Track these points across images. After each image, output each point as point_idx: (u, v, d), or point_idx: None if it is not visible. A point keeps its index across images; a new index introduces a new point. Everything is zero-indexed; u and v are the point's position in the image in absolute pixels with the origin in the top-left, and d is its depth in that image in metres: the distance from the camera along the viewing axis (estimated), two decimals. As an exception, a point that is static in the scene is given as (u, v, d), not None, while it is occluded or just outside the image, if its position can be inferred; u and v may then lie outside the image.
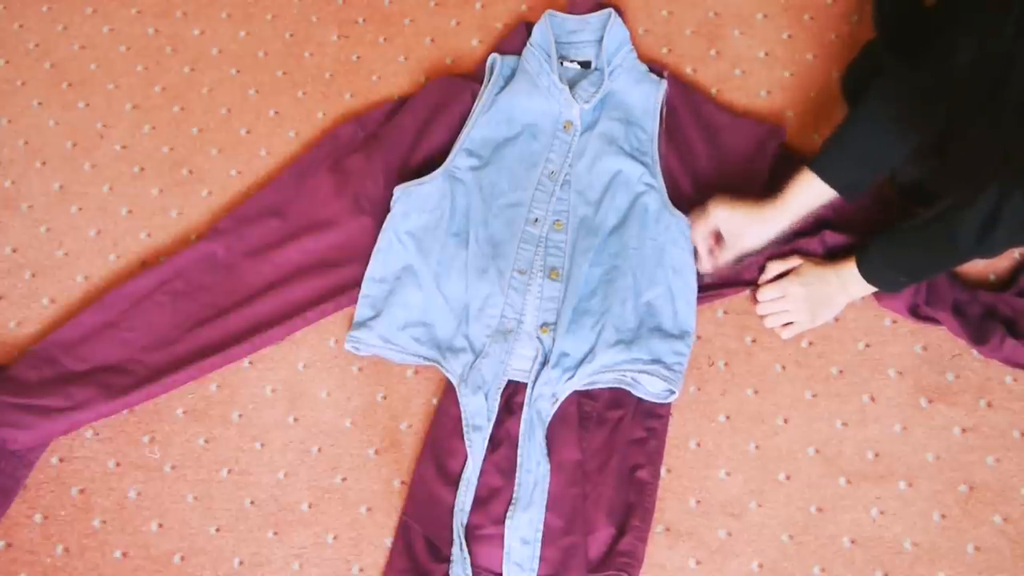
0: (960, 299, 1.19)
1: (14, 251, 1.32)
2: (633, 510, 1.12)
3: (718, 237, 1.20)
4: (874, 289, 1.16)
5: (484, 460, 1.13)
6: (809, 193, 1.12)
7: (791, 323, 1.20)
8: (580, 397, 1.17)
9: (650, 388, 1.16)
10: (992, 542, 1.13)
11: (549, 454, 1.13)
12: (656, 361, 1.15)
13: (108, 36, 1.45)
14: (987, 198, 0.96)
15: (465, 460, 1.13)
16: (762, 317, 1.22)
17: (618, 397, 1.17)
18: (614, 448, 1.14)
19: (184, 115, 1.39)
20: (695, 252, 1.21)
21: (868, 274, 1.14)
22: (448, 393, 1.18)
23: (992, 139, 1.00)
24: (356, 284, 1.22)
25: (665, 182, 1.24)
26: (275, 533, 1.17)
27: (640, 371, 1.14)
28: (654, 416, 1.17)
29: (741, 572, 1.13)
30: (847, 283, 1.17)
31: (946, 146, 1.09)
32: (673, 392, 1.15)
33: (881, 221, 1.19)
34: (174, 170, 1.36)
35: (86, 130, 1.39)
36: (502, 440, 1.14)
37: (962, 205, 0.99)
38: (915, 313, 1.19)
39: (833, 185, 1.10)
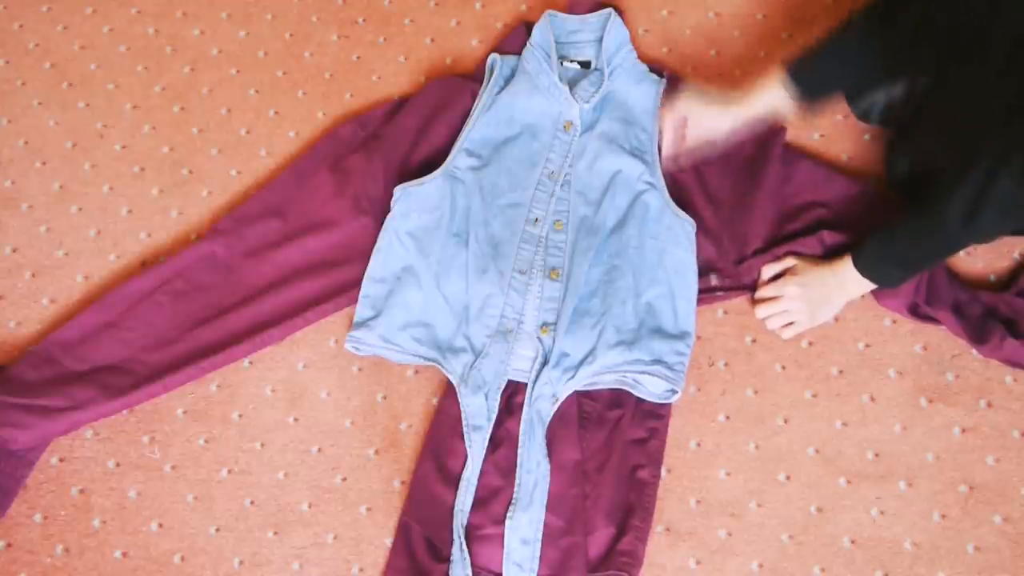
0: (960, 299, 1.19)
1: (14, 251, 1.32)
2: (633, 510, 1.12)
3: (685, 125, 1.23)
4: (872, 286, 1.16)
5: (484, 460, 1.13)
6: (773, 96, 1.14)
7: (791, 323, 1.20)
8: (580, 397, 1.17)
9: (652, 388, 1.16)
10: (992, 542, 1.13)
11: (549, 454, 1.13)
12: (657, 361, 1.15)
13: (108, 36, 1.45)
14: (973, 179, 0.96)
15: (465, 460, 1.13)
16: (763, 320, 1.22)
17: (618, 397, 1.17)
18: (614, 448, 1.14)
19: (184, 115, 1.39)
20: (660, 135, 1.25)
21: (864, 269, 1.14)
22: (448, 393, 1.18)
23: (977, 89, 1.01)
24: (356, 284, 1.22)
25: (666, 181, 1.24)
26: (275, 533, 1.17)
27: (641, 372, 1.14)
28: (654, 416, 1.17)
29: (741, 572, 1.13)
30: (845, 281, 1.17)
31: (933, 102, 1.10)
32: (675, 392, 1.15)
33: (880, 220, 1.19)
34: (174, 170, 1.36)
35: (86, 130, 1.39)
36: (502, 440, 1.14)
37: (950, 182, 0.99)
38: (915, 312, 1.20)
39: (797, 87, 1.11)
